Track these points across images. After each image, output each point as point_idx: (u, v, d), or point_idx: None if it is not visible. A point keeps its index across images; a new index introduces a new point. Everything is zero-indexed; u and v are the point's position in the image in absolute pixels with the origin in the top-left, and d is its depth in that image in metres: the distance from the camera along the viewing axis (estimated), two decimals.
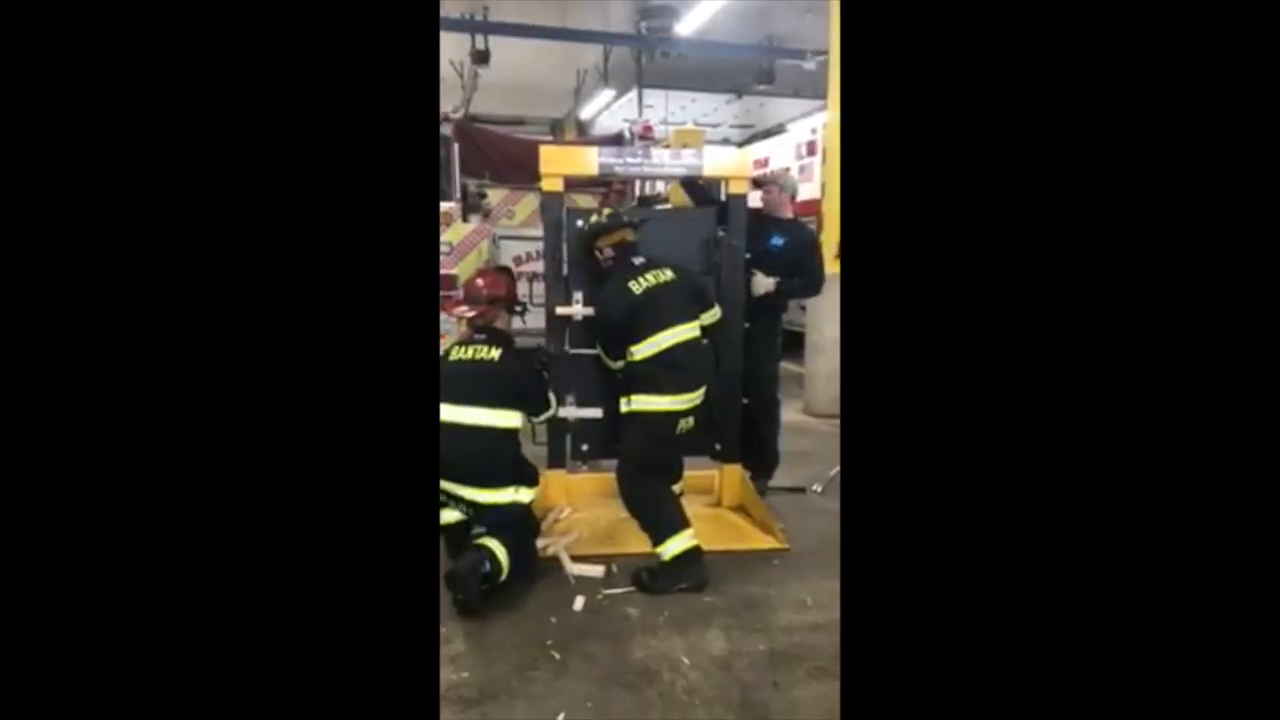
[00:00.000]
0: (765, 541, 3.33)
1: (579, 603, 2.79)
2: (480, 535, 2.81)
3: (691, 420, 3.08)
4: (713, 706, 2.20)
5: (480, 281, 3.22)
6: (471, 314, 3.15)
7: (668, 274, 3.11)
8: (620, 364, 3.15)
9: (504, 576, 2.74)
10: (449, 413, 2.80)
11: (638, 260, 3.16)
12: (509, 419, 2.91)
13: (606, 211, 3.36)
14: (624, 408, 3.05)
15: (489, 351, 2.95)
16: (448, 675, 2.32)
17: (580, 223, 3.37)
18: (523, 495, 2.93)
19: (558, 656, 2.44)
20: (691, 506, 3.47)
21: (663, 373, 2.98)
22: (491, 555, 2.72)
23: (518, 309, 3.28)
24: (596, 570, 3.02)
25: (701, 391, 3.08)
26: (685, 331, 3.05)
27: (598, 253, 3.25)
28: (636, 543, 3.15)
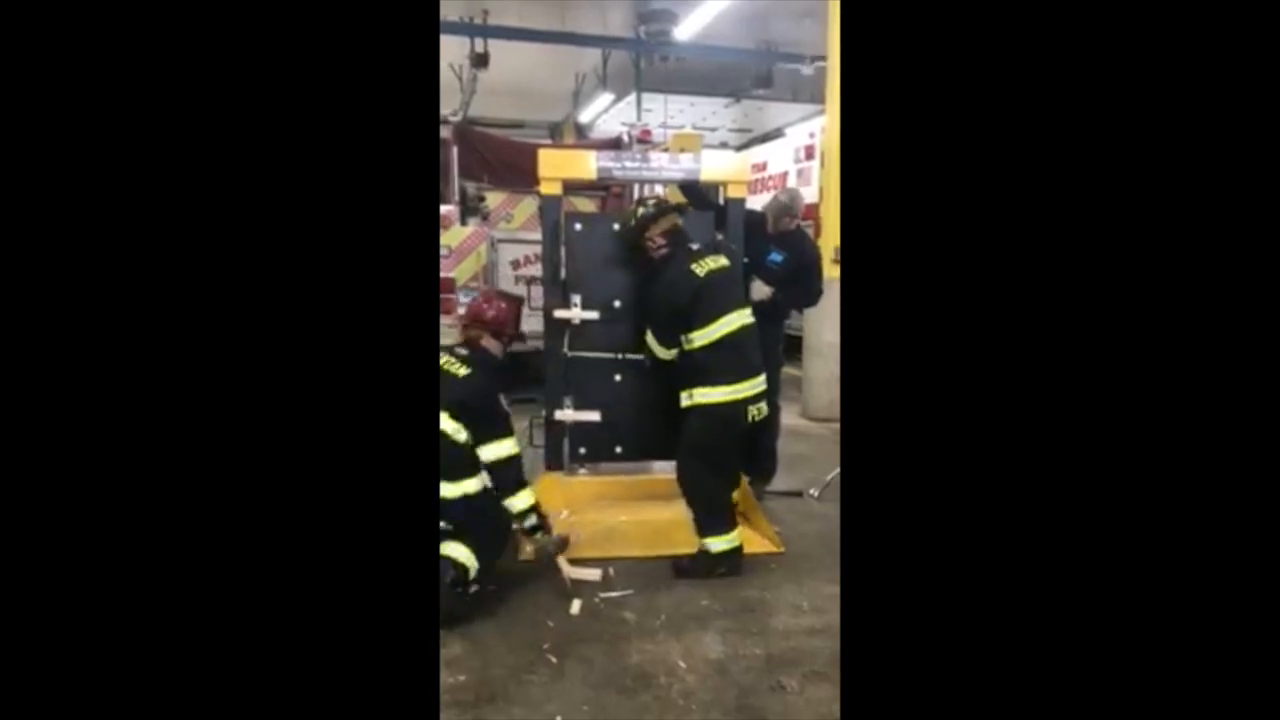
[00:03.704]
0: (762, 545, 3.33)
1: (575, 606, 2.79)
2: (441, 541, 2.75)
3: (764, 406, 3.03)
4: (709, 710, 2.20)
5: (484, 303, 3.14)
6: (462, 327, 3.13)
7: (723, 260, 3.10)
8: (673, 353, 3.07)
9: (473, 574, 2.70)
10: None
11: (694, 245, 3.14)
12: (456, 429, 2.80)
13: (651, 202, 3.26)
14: (684, 402, 3.02)
15: (459, 367, 2.90)
16: (444, 679, 2.31)
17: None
18: (470, 486, 2.78)
19: (554, 660, 2.44)
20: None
21: (723, 360, 2.96)
22: (453, 562, 2.68)
23: (505, 340, 3.12)
24: (594, 574, 3.02)
25: (764, 378, 3.05)
26: (743, 317, 3.04)
27: (649, 242, 3.17)
28: (634, 546, 3.15)
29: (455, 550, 2.70)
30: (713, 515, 3.04)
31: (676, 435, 3.11)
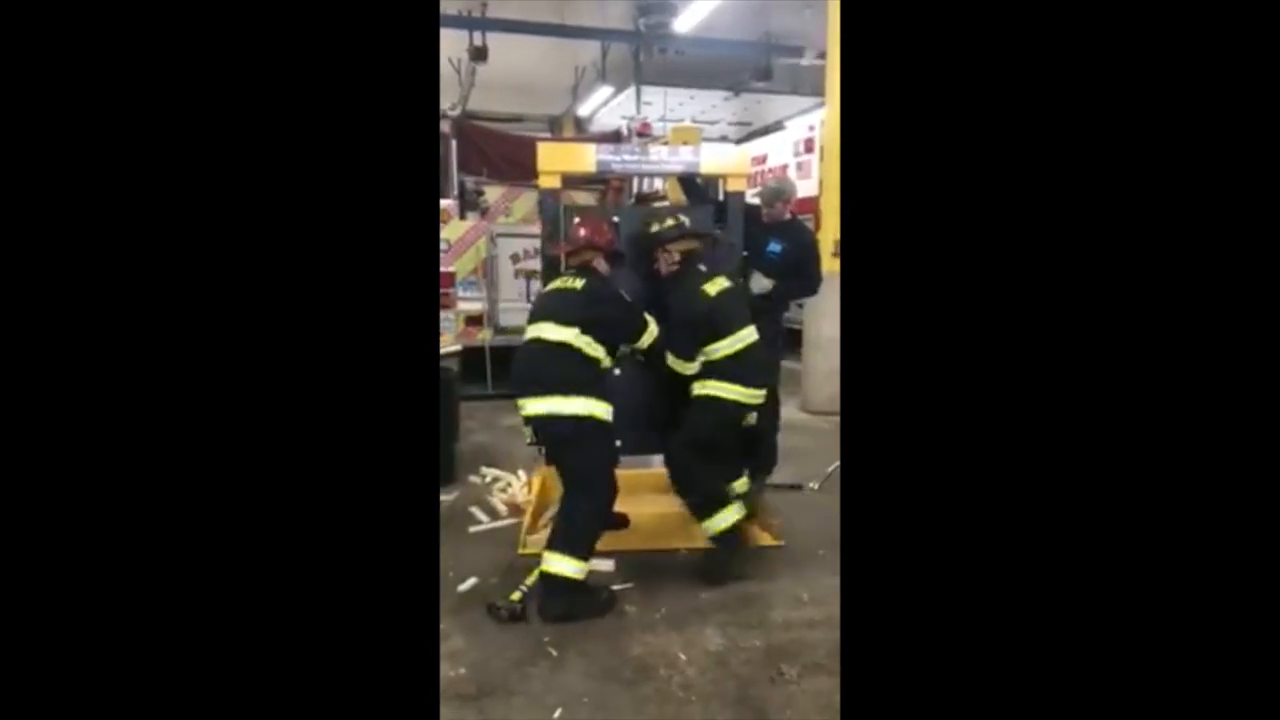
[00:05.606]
0: (761, 538, 3.34)
1: None
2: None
3: (755, 417, 3.21)
4: (709, 702, 2.21)
5: (586, 229, 3.17)
6: (567, 250, 3.19)
7: (728, 281, 3.18)
8: (695, 366, 3.11)
9: (581, 575, 2.70)
10: (527, 331, 2.97)
11: (703, 267, 3.20)
12: (571, 336, 2.85)
13: (670, 222, 3.27)
14: (697, 390, 3.09)
15: (575, 281, 3.01)
16: (446, 671, 2.32)
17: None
18: (581, 407, 2.78)
19: (555, 653, 2.45)
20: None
21: (742, 367, 3.08)
22: (551, 579, 2.68)
23: (617, 260, 3.20)
24: (608, 564, 3.04)
25: (765, 392, 3.21)
26: (752, 333, 3.15)
27: (665, 254, 3.21)
28: (633, 539, 3.16)
29: (555, 564, 2.68)
30: (710, 502, 3.08)
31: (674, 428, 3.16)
